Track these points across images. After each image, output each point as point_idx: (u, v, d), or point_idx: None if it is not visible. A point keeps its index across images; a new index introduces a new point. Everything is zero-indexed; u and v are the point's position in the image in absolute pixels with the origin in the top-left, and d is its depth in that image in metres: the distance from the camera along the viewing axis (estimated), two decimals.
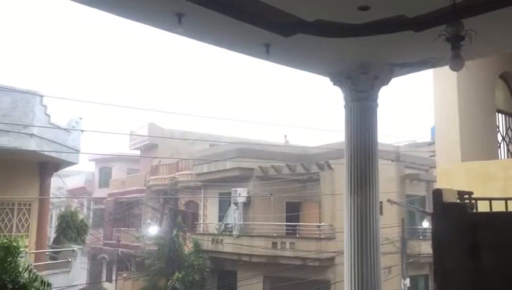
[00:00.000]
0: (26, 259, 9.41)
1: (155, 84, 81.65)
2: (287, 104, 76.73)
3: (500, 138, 9.89)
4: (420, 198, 21.74)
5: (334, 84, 7.09)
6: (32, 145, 12.82)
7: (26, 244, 12.52)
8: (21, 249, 8.59)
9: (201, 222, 25.00)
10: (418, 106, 78.28)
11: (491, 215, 4.61)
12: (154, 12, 5.32)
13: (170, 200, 24.56)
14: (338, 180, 17.43)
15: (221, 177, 22.39)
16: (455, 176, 8.38)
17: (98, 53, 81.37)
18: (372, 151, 6.74)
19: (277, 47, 5.94)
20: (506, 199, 4.92)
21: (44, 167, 15.41)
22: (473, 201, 4.85)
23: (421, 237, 20.48)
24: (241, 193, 21.14)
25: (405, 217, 19.61)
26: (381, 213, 7.10)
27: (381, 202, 7.23)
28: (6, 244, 8.35)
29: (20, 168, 14.59)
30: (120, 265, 31.84)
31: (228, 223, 21.84)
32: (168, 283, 21.30)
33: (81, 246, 16.58)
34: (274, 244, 19.36)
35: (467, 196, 4.86)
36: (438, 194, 4.50)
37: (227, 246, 21.11)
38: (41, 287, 8.46)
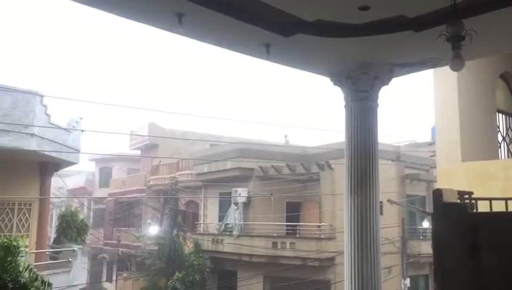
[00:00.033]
0: (26, 259, 9.41)
1: (155, 84, 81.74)
2: (287, 104, 76.81)
3: (500, 138, 9.90)
4: (420, 198, 21.74)
5: (335, 84, 7.09)
6: (32, 145, 12.83)
7: (27, 244, 12.53)
8: (21, 249, 8.60)
9: (201, 221, 25.01)
10: (419, 106, 78.33)
11: (491, 216, 4.61)
12: (154, 12, 5.32)
13: (170, 200, 24.57)
14: (338, 180, 17.44)
15: (221, 177, 22.39)
16: (455, 176, 8.38)
17: (98, 53, 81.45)
18: (372, 151, 6.74)
19: (277, 47, 5.94)
20: (506, 199, 4.93)
21: (44, 166, 15.41)
22: (473, 201, 4.85)
23: (421, 237, 20.47)
24: (241, 193, 21.15)
25: (405, 217, 19.60)
26: (381, 213, 7.10)
27: (381, 202, 7.22)
28: (6, 244, 8.36)
29: (21, 168, 14.59)
30: (120, 265, 31.84)
31: (228, 223, 21.85)
32: (169, 282, 21.30)
33: (81, 246, 16.58)
34: (274, 244, 19.37)
35: (467, 196, 4.86)
36: (438, 194, 4.50)
37: (228, 246, 21.11)
38: (41, 287, 8.48)
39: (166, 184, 25.88)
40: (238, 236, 20.61)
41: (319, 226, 19.25)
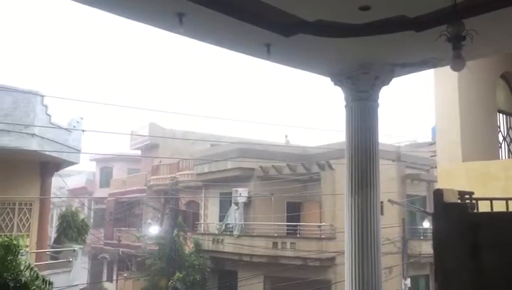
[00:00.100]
0: (27, 258, 9.41)
1: (156, 84, 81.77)
2: (287, 104, 76.83)
3: (501, 138, 9.89)
4: (421, 198, 21.73)
5: (335, 84, 7.09)
6: (33, 145, 12.84)
7: (27, 244, 12.54)
8: (21, 248, 8.60)
9: (202, 221, 25.00)
10: (419, 106, 78.39)
11: (492, 216, 4.61)
12: (155, 12, 5.32)
13: (171, 200, 24.59)
14: (339, 180, 17.45)
15: (222, 177, 22.40)
16: (456, 176, 8.38)
17: (98, 53, 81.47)
18: (373, 151, 6.73)
19: (278, 47, 5.94)
20: (507, 199, 4.92)
21: (45, 166, 15.42)
22: (474, 201, 4.85)
23: (422, 237, 20.46)
24: (241, 193, 21.15)
25: (406, 217, 19.61)
26: (382, 213, 7.09)
27: (382, 202, 7.21)
28: (6, 243, 8.36)
29: (21, 168, 14.60)
30: (121, 265, 31.85)
31: (229, 223, 21.86)
32: (169, 282, 21.31)
33: (81, 246, 16.59)
34: (275, 244, 19.37)
35: (467, 196, 4.86)
36: (438, 194, 4.50)
37: (228, 246, 21.11)
38: (42, 286, 8.47)
39: (166, 184, 25.90)
40: (239, 236, 20.62)
41: (319, 226, 19.25)
